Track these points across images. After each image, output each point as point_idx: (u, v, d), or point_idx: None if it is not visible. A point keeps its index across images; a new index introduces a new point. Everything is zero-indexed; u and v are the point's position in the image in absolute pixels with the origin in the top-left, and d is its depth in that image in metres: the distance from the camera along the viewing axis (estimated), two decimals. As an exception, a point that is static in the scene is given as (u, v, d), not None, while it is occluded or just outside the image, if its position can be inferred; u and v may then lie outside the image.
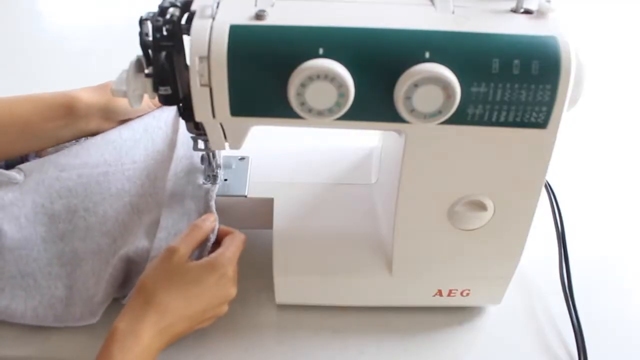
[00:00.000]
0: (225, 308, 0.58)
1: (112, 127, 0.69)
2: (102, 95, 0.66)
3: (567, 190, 0.73)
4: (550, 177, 0.72)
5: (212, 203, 0.62)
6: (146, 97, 0.52)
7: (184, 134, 0.68)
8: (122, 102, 0.65)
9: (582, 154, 0.85)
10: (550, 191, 0.72)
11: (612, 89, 0.97)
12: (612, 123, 0.92)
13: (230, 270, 0.56)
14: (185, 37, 0.47)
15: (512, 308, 0.64)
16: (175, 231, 0.61)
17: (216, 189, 0.63)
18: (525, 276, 0.67)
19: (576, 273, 0.65)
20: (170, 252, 0.55)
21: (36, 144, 0.67)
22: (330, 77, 0.44)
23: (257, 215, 0.65)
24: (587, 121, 0.86)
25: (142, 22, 0.48)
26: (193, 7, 0.48)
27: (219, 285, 0.55)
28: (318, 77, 0.44)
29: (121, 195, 0.66)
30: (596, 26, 1.08)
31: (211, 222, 0.60)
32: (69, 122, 0.65)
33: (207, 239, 0.59)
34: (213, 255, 0.56)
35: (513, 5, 0.49)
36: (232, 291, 0.57)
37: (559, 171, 0.67)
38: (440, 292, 0.61)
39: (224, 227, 0.61)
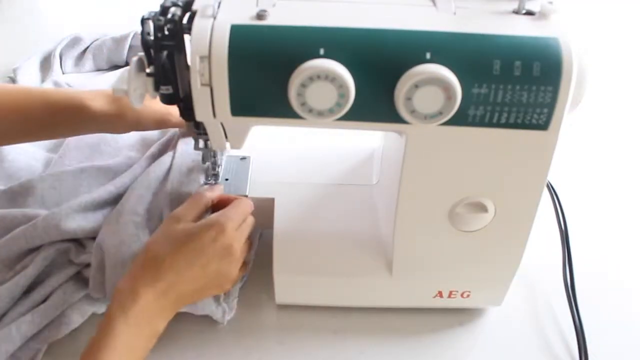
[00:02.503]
0: (234, 274, 0.57)
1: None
2: (114, 106, 0.65)
3: (570, 191, 0.73)
4: (553, 179, 0.72)
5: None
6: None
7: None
8: (132, 115, 0.64)
9: (586, 155, 0.85)
10: (553, 193, 0.72)
11: (616, 91, 0.96)
12: (617, 124, 0.92)
13: (230, 227, 0.55)
14: (186, 37, 0.47)
15: (514, 309, 0.64)
16: None
17: None
18: (528, 277, 0.67)
19: (579, 274, 0.65)
20: (172, 217, 0.56)
21: (37, 137, 0.69)
22: (331, 78, 0.44)
23: (257, 215, 0.65)
24: (592, 122, 0.86)
25: (143, 21, 0.48)
26: (194, 7, 0.48)
27: (217, 242, 0.54)
28: (318, 77, 0.44)
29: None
30: (599, 28, 1.08)
31: (219, 191, 0.61)
32: (74, 126, 0.65)
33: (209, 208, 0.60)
34: (213, 214, 0.57)
35: (515, 6, 0.49)
36: (235, 251, 0.56)
37: (563, 173, 0.67)
38: (440, 294, 0.61)
39: (233, 196, 0.61)
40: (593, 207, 0.77)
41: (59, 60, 0.93)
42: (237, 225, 0.57)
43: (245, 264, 0.60)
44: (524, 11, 0.48)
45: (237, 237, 0.56)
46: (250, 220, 0.60)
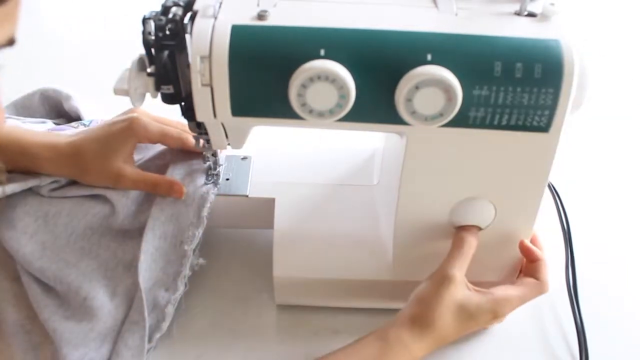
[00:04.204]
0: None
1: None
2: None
3: (573, 193, 0.73)
4: (556, 180, 0.72)
5: (204, 213, 0.61)
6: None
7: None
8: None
9: (589, 156, 0.85)
10: (555, 194, 0.72)
11: (618, 93, 0.96)
12: (619, 126, 0.91)
13: (506, 315, 0.55)
14: (187, 37, 0.47)
15: (515, 310, 0.64)
16: (160, 233, 0.61)
17: (213, 195, 0.63)
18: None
19: (581, 276, 0.65)
20: (448, 280, 0.52)
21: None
22: (331, 79, 0.44)
23: (258, 215, 0.65)
24: (594, 124, 0.85)
25: (145, 21, 0.48)
26: (195, 7, 0.48)
27: (491, 322, 0.56)
28: (319, 78, 0.44)
29: None
30: (601, 29, 1.08)
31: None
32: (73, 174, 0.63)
33: None
34: (498, 293, 0.54)
35: (517, 8, 0.49)
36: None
37: (566, 174, 0.67)
38: (440, 295, 0.61)
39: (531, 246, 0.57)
40: (595, 209, 0.77)
41: None
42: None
43: None
44: (525, 13, 0.48)
45: None
46: None
